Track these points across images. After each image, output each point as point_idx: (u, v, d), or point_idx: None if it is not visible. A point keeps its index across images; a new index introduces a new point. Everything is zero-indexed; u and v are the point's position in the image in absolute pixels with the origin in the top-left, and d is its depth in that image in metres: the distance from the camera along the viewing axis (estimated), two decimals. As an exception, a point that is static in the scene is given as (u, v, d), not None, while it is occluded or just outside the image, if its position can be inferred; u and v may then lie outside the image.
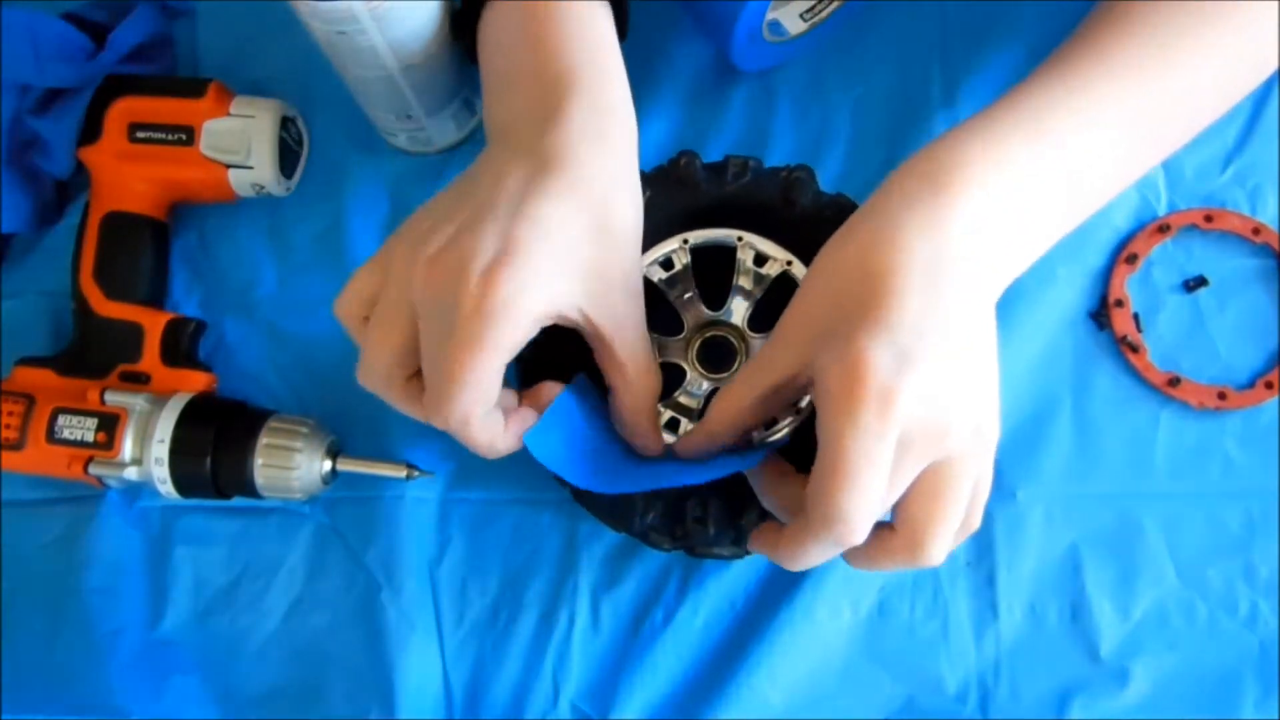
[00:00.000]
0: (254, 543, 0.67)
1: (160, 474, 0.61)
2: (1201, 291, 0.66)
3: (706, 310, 0.63)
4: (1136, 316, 0.65)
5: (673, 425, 0.60)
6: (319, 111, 0.72)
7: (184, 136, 0.66)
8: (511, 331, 0.48)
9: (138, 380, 0.66)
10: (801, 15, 0.67)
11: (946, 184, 0.47)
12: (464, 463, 0.66)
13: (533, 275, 0.48)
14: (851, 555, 0.50)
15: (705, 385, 0.62)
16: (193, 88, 0.67)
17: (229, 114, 0.67)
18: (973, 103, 0.69)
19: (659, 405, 0.60)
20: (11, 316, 0.70)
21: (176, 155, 0.66)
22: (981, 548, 0.64)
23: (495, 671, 0.64)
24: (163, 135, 0.66)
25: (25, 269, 0.71)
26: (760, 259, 0.61)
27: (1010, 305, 0.65)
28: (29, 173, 0.68)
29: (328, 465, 0.63)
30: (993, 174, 0.48)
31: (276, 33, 0.72)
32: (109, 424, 0.62)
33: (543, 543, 0.65)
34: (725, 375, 0.62)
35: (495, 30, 0.57)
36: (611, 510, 0.59)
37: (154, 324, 0.66)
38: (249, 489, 0.62)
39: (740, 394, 0.51)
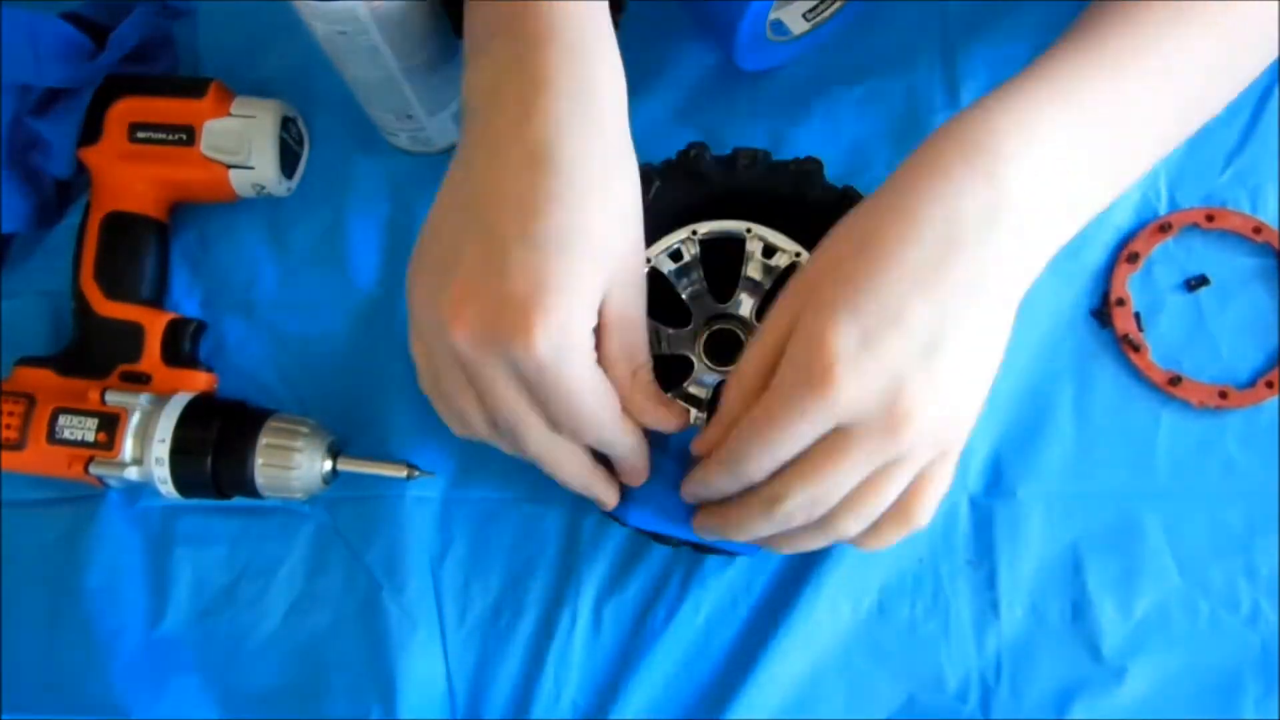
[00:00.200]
0: (254, 542, 0.67)
1: (160, 474, 0.61)
2: (1202, 290, 0.66)
3: (715, 302, 0.63)
4: (1138, 315, 0.65)
5: None
6: (320, 111, 0.72)
7: (184, 137, 0.66)
8: (581, 361, 0.47)
9: (138, 380, 0.65)
10: (804, 15, 0.67)
11: (976, 154, 0.45)
12: (466, 462, 0.66)
13: (569, 300, 0.46)
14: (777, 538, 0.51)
15: (713, 377, 0.62)
16: (193, 88, 0.67)
17: (230, 114, 0.67)
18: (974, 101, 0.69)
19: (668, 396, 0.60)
20: (12, 316, 0.70)
21: (177, 155, 0.66)
22: (982, 547, 0.64)
23: (497, 670, 0.64)
24: (163, 135, 0.66)
25: (26, 269, 0.71)
26: (769, 250, 0.61)
27: (1011, 304, 0.65)
28: (29, 173, 0.68)
29: (328, 465, 0.63)
30: (1026, 147, 0.45)
31: (277, 33, 0.72)
32: (109, 424, 0.62)
33: (545, 542, 0.65)
34: (733, 366, 0.62)
35: None
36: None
37: (154, 324, 0.66)
38: (249, 489, 0.62)
39: (744, 370, 0.49)
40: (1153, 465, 0.64)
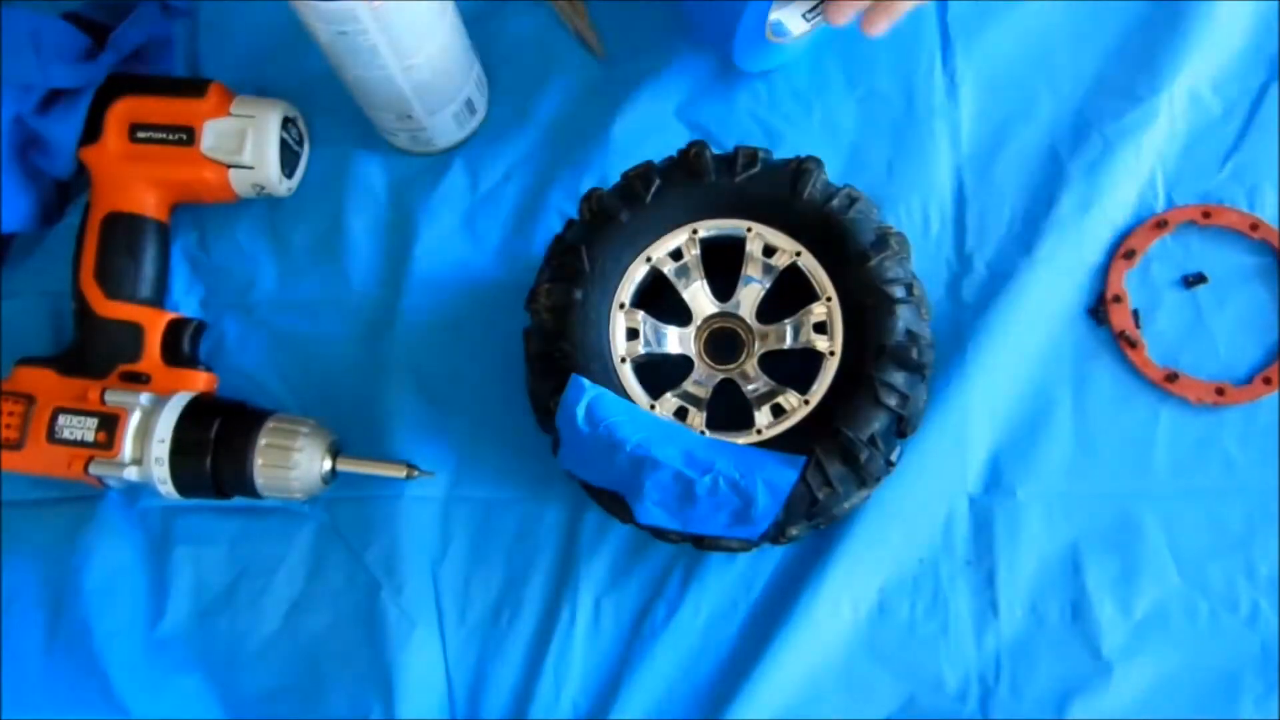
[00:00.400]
0: (254, 542, 0.67)
1: (160, 474, 0.62)
2: (1200, 287, 0.66)
3: (715, 301, 0.63)
4: (1135, 312, 0.65)
5: (681, 414, 0.60)
6: (320, 112, 0.72)
7: (185, 137, 0.66)
8: None
9: (138, 380, 0.66)
10: (804, 15, 0.67)
11: None
12: (465, 462, 0.66)
13: None
14: None
15: (713, 376, 0.62)
16: (194, 88, 0.67)
17: (230, 114, 0.67)
18: (975, 101, 0.69)
19: (668, 394, 0.60)
20: (12, 316, 0.70)
21: (177, 155, 0.66)
22: (981, 547, 0.64)
23: (497, 669, 0.64)
24: (163, 135, 0.66)
25: (26, 269, 0.71)
26: (769, 250, 0.61)
27: (1008, 301, 0.65)
28: (30, 173, 0.68)
29: (327, 465, 0.63)
30: None
31: (278, 33, 0.73)
32: (109, 424, 0.63)
33: (544, 541, 0.65)
34: (733, 366, 0.62)
35: None
36: (621, 503, 0.59)
37: (154, 324, 0.66)
38: (249, 489, 0.62)
39: None
40: (1151, 463, 0.64)
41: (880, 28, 0.61)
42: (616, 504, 0.59)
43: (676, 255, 0.62)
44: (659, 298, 0.63)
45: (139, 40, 0.67)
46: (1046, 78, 0.69)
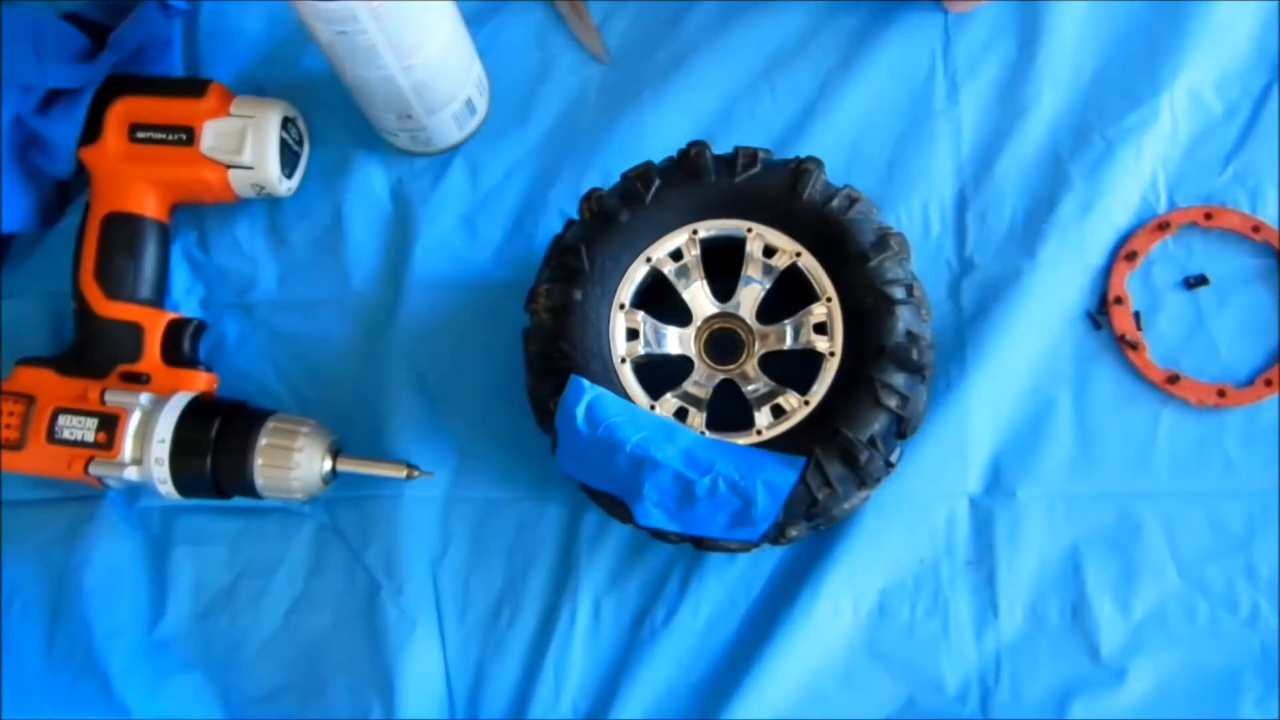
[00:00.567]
0: (254, 542, 0.67)
1: (160, 474, 0.62)
2: (1201, 289, 0.66)
3: (715, 302, 0.63)
4: (1136, 314, 0.65)
5: (681, 414, 0.60)
6: (320, 112, 0.72)
7: (184, 137, 0.66)
8: None
9: (138, 380, 0.66)
10: None
11: None
12: (465, 461, 0.66)
13: None
14: None
15: (713, 376, 0.62)
16: (193, 88, 0.67)
17: (230, 114, 0.67)
18: (976, 102, 0.69)
19: (668, 395, 0.60)
20: (12, 316, 0.70)
21: (177, 155, 0.66)
22: (982, 547, 0.64)
23: (497, 669, 0.64)
24: (163, 135, 0.66)
25: (26, 269, 0.71)
26: (769, 250, 0.61)
27: (1009, 302, 0.65)
28: (30, 173, 0.68)
29: (327, 465, 0.63)
30: None
31: (278, 33, 0.73)
32: (109, 424, 0.63)
33: (544, 541, 0.65)
34: (733, 366, 0.62)
35: None
36: (620, 504, 0.59)
37: (154, 324, 0.66)
38: (249, 489, 0.62)
39: None
40: (1152, 465, 0.64)
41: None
42: (616, 505, 0.59)
43: (676, 255, 0.62)
44: (659, 298, 0.63)
45: (139, 40, 0.67)
46: (1048, 79, 0.69)
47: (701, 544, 0.60)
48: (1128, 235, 0.67)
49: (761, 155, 0.61)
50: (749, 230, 0.61)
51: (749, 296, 0.63)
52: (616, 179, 0.62)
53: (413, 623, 0.64)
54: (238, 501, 0.64)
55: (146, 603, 0.66)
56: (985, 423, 0.64)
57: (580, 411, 0.57)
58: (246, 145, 0.66)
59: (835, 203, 0.60)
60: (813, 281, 0.60)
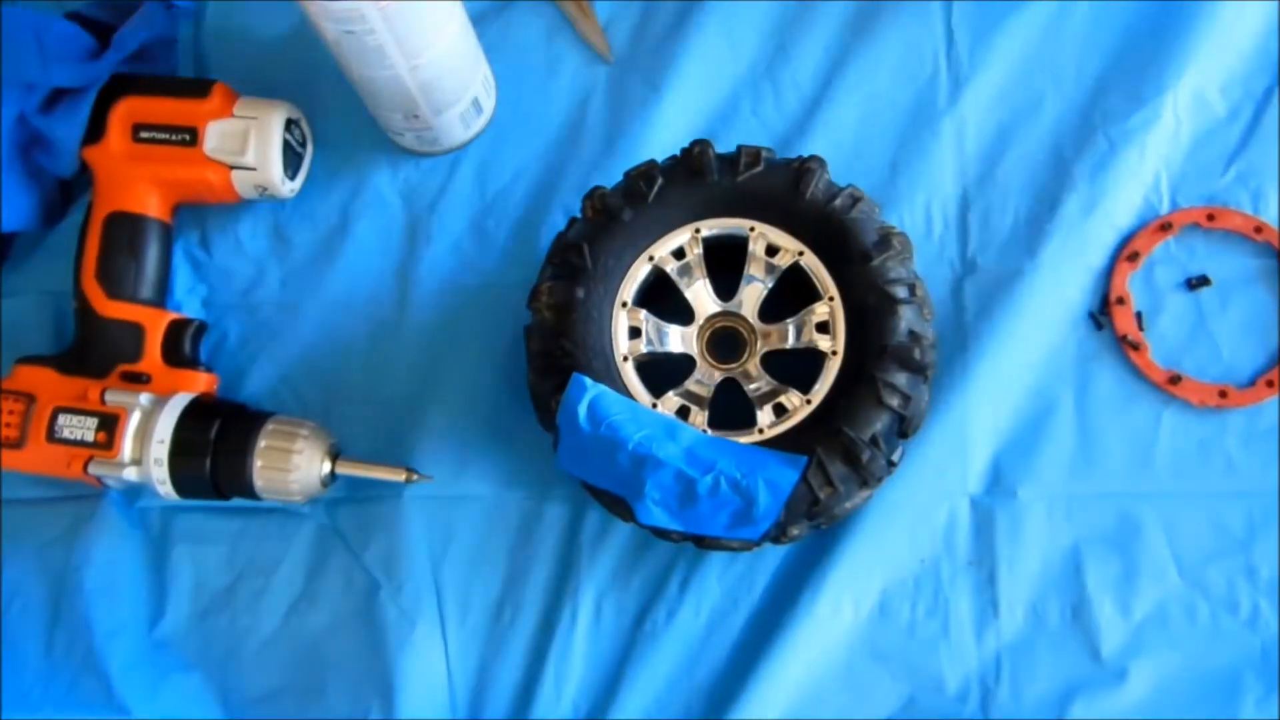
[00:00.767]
0: (254, 542, 0.67)
1: (159, 474, 0.61)
2: (1203, 290, 0.66)
3: (718, 300, 0.63)
4: (1138, 315, 0.66)
5: (683, 413, 0.61)
6: (324, 113, 0.72)
7: (188, 137, 0.66)
8: None
9: (138, 380, 0.65)
10: None
11: None
12: (467, 461, 0.66)
13: None
14: None
15: (715, 375, 0.62)
16: (197, 88, 0.67)
17: (233, 115, 0.67)
18: (979, 102, 0.69)
19: (670, 393, 0.60)
20: (13, 315, 0.70)
21: (180, 156, 0.66)
22: (983, 547, 0.64)
23: (498, 669, 0.64)
24: (166, 136, 0.66)
25: (28, 268, 0.71)
26: (772, 249, 0.62)
27: (1011, 303, 0.65)
28: (33, 172, 0.68)
29: (326, 468, 0.63)
30: None
31: (282, 33, 0.73)
32: (109, 424, 0.62)
33: (545, 541, 0.65)
34: (735, 365, 0.62)
35: None
36: (621, 502, 0.59)
37: (155, 324, 0.66)
38: (248, 491, 0.62)
39: None
40: (1153, 465, 0.64)
41: None
42: (618, 504, 0.59)
43: (679, 254, 0.62)
44: (661, 297, 0.63)
45: (143, 40, 0.67)
46: (1051, 79, 0.69)
47: (703, 543, 0.60)
48: (1130, 236, 0.67)
49: (764, 154, 0.61)
50: (751, 229, 0.61)
51: (751, 295, 0.63)
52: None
53: (412, 623, 0.64)
54: (237, 502, 0.64)
55: (146, 602, 0.66)
56: (986, 423, 0.64)
57: (582, 409, 0.57)
58: (249, 146, 0.66)
59: (838, 202, 0.60)
60: (815, 281, 0.61)
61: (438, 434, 0.66)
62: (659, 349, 0.62)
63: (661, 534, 0.60)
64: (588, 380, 0.58)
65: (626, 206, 0.60)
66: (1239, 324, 0.66)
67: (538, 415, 0.62)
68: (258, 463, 0.62)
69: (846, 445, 0.57)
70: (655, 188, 0.60)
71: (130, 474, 0.62)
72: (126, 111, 0.66)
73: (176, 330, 0.67)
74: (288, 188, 0.68)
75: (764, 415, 0.60)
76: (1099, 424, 0.65)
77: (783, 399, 0.60)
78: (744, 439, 0.59)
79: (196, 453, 0.62)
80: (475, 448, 0.66)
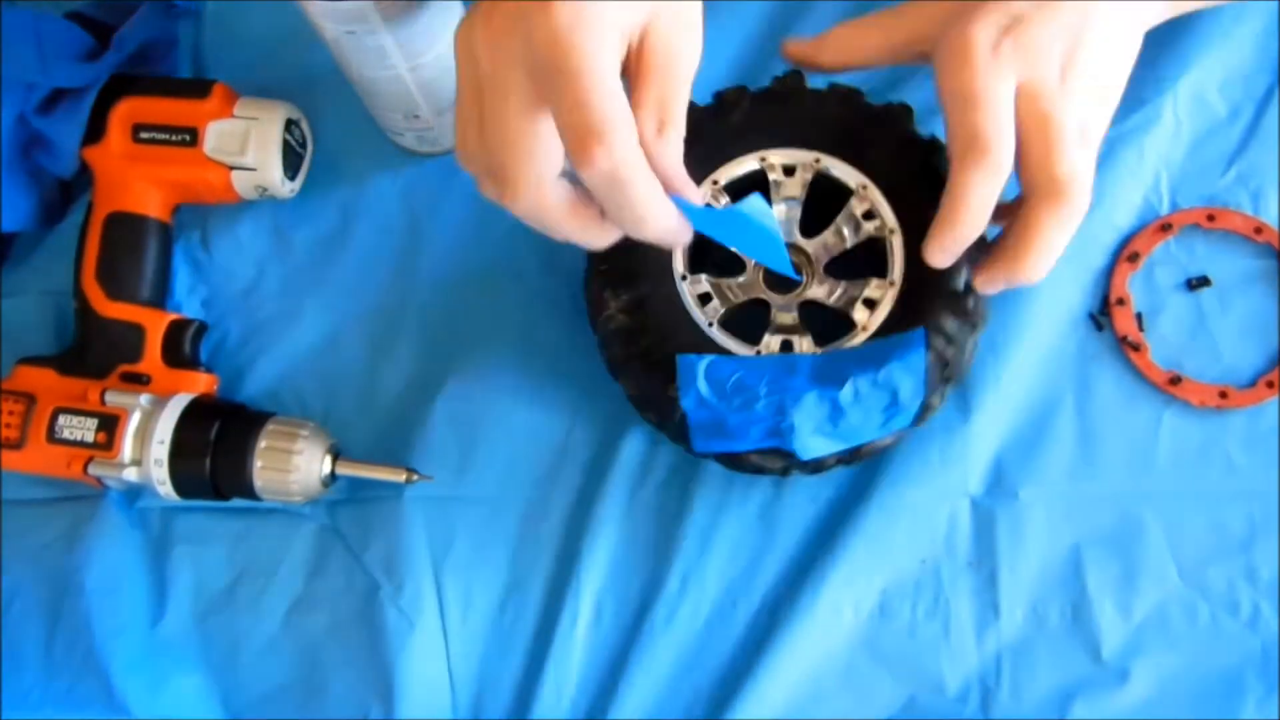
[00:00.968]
0: (254, 543, 0.67)
1: (159, 475, 0.61)
2: (1203, 291, 0.66)
3: None
4: (1139, 315, 0.66)
5: (787, 346, 0.60)
6: (324, 113, 0.72)
7: (188, 137, 0.66)
8: (596, 42, 0.42)
9: (138, 381, 0.66)
10: None
11: None
12: (465, 462, 0.66)
13: None
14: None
15: (793, 302, 0.61)
16: (197, 89, 0.67)
17: (233, 115, 0.67)
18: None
19: (765, 336, 0.60)
20: (13, 316, 0.70)
21: (180, 156, 0.66)
22: (983, 548, 0.64)
23: (499, 670, 0.64)
24: (166, 136, 0.66)
25: (28, 268, 0.71)
26: (789, 170, 0.62)
27: (1012, 304, 0.65)
28: (33, 172, 0.68)
29: (327, 468, 0.63)
30: None
31: (282, 34, 0.73)
32: (109, 424, 0.62)
33: (545, 541, 0.65)
34: (804, 287, 0.62)
35: None
36: (768, 459, 0.59)
37: (155, 325, 0.66)
38: (248, 491, 0.62)
39: (869, 34, 0.55)
40: (1154, 466, 0.64)
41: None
42: (769, 458, 0.59)
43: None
44: (704, 258, 0.62)
45: (143, 40, 0.67)
46: (1050, 80, 0.69)
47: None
48: (1130, 236, 0.67)
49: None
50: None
51: (783, 212, 0.62)
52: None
53: (412, 623, 0.64)
54: (238, 502, 0.64)
55: (147, 603, 0.66)
56: (987, 423, 0.64)
57: (701, 384, 0.57)
58: (249, 147, 0.66)
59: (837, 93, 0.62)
60: (840, 179, 0.61)
61: (438, 434, 0.66)
62: (733, 303, 0.61)
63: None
64: (693, 356, 0.57)
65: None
66: (1239, 325, 0.66)
67: (650, 418, 0.61)
68: (258, 463, 0.62)
69: (947, 295, 0.57)
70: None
71: (130, 474, 0.62)
72: (126, 112, 0.66)
73: (177, 331, 0.67)
74: (287, 188, 0.69)
75: (859, 314, 0.60)
76: (1100, 425, 0.65)
77: (867, 292, 0.60)
78: (854, 342, 0.59)
79: (196, 453, 0.62)
80: (476, 448, 0.66)
